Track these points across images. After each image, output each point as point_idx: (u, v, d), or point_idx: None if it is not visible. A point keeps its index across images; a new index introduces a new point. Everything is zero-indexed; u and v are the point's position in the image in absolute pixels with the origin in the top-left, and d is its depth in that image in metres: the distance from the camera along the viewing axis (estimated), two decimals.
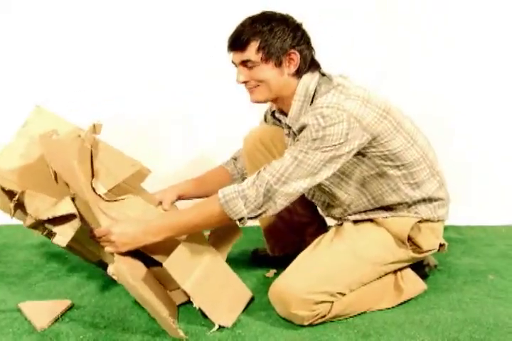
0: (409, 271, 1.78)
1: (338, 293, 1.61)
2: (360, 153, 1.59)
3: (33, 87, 2.46)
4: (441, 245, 1.78)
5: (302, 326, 1.59)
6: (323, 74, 1.64)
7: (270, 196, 1.50)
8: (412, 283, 1.76)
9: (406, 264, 1.75)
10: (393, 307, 1.71)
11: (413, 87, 2.43)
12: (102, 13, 2.39)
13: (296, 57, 1.58)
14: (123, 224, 1.60)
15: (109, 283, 1.87)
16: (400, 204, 1.69)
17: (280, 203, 1.52)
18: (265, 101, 1.66)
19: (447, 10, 2.39)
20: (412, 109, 2.40)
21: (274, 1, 2.32)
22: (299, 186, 1.51)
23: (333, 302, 1.60)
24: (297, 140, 1.53)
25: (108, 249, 1.58)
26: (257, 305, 1.73)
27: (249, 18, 1.60)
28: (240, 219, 1.52)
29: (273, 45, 1.55)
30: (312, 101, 1.59)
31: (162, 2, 2.39)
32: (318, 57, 2.34)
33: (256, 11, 2.26)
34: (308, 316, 1.57)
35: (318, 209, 1.94)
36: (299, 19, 1.64)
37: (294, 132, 1.62)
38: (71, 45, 2.42)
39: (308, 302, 1.56)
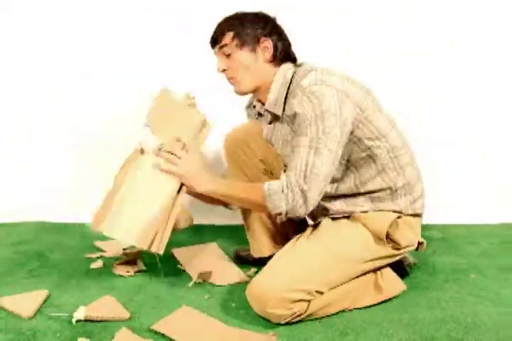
0: (388, 270, 1.77)
1: (316, 291, 1.59)
2: (352, 134, 1.61)
3: (32, 87, 2.45)
4: (420, 243, 1.78)
5: (280, 324, 1.59)
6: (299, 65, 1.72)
7: (305, 197, 1.53)
8: (392, 283, 1.76)
9: (385, 262, 1.74)
10: (372, 305, 1.71)
11: (413, 87, 2.42)
12: (101, 13, 2.38)
13: (269, 44, 1.67)
14: (199, 161, 1.69)
15: (88, 282, 1.87)
16: (383, 190, 1.70)
17: (314, 201, 1.55)
18: (248, 91, 1.72)
19: (447, 10, 2.39)
20: (412, 108, 2.43)
21: (274, 2, 2.33)
22: (325, 174, 1.54)
23: (310, 300, 1.60)
24: (297, 128, 1.55)
25: (167, 164, 1.67)
26: (236, 303, 1.73)
27: (224, 17, 1.73)
28: (279, 214, 1.57)
29: (245, 33, 1.66)
30: (290, 85, 1.65)
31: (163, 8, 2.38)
32: (319, 56, 2.32)
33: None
34: (285, 315, 1.56)
35: None
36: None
37: (276, 116, 1.70)
38: (71, 45, 2.41)
39: (285, 300, 1.55)
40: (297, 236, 1.75)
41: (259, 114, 1.84)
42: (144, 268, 1.98)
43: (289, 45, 1.73)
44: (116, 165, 1.77)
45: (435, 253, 2.14)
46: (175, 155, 1.67)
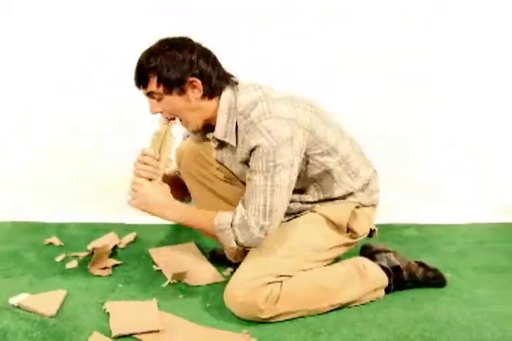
0: (370, 262, 1.79)
1: (282, 275, 1.61)
2: (305, 154, 1.63)
3: (32, 87, 2.42)
4: (372, 231, 1.82)
5: (251, 324, 1.59)
6: (236, 83, 1.66)
7: (265, 232, 1.57)
8: (374, 271, 1.77)
9: (344, 250, 1.78)
10: (354, 303, 1.71)
11: (413, 87, 2.42)
12: (101, 13, 2.34)
13: (197, 83, 1.58)
14: (154, 188, 1.66)
15: (63, 282, 1.85)
16: (347, 195, 1.74)
17: (273, 230, 1.60)
18: (200, 128, 1.67)
19: (447, 10, 2.37)
20: (412, 108, 2.43)
21: (274, 2, 2.32)
22: (284, 206, 1.60)
23: (281, 282, 1.61)
24: (252, 162, 1.56)
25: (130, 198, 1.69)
26: (211, 303, 1.73)
27: (145, 52, 1.61)
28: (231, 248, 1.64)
29: (170, 78, 1.56)
30: (236, 109, 1.61)
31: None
32: (319, 56, 2.35)
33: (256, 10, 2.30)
34: (259, 300, 1.56)
35: None
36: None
37: (222, 143, 1.68)
38: (71, 45, 2.37)
39: (255, 286, 1.57)
40: None
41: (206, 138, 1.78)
42: (117, 262, 1.99)
43: (220, 69, 1.64)
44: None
45: (411, 253, 2.14)
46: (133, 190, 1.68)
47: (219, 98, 1.63)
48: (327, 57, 2.37)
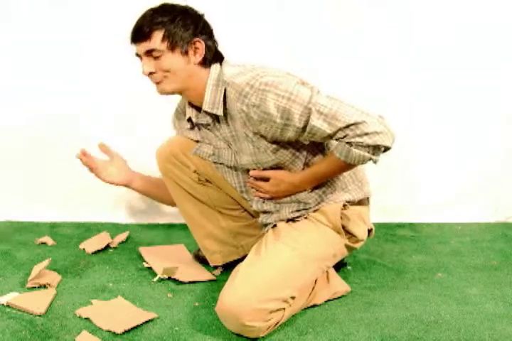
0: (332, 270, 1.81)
1: (290, 297, 1.56)
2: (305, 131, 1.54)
3: (32, 87, 2.42)
4: (369, 230, 1.80)
5: None
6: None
7: (377, 128, 1.48)
8: (337, 280, 1.79)
9: (345, 254, 1.77)
10: (329, 303, 1.72)
11: (413, 87, 2.42)
12: (101, 13, 2.35)
13: (201, 45, 1.59)
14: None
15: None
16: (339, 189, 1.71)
17: (375, 128, 1.48)
18: (172, 93, 1.64)
19: (447, 10, 2.38)
20: (412, 107, 2.43)
21: (274, 1, 2.33)
22: (354, 109, 1.50)
23: (285, 308, 1.56)
24: (292, 120, 1.50)
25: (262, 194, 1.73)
26: (199, 303, 1.72)
27: (150, 9, 1.60)
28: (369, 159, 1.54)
29: (177, 34, 1.56)
30: (225, 84, 1.59)
31: None
32: (318, 56, 2.35)
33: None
34: (263, 327, 1.49)
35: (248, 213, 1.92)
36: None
37: (217, 117, 1.64)
38: (70, 45, 2.37)
39: (263, 311, 1.48)
40: (258, 243, 1.70)
41: (194, 124, 1.75)
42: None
43: (216, 43, 1.65)
44: None
45: (404, 253, 2.13)
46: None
47: (209, 71, 1.61)
48: (327, 57, 2.38)
